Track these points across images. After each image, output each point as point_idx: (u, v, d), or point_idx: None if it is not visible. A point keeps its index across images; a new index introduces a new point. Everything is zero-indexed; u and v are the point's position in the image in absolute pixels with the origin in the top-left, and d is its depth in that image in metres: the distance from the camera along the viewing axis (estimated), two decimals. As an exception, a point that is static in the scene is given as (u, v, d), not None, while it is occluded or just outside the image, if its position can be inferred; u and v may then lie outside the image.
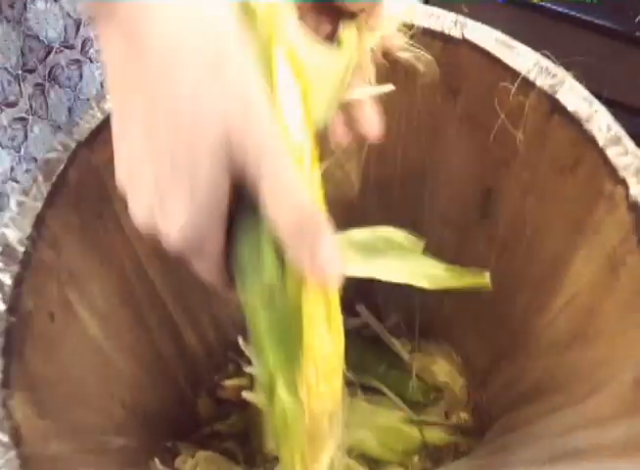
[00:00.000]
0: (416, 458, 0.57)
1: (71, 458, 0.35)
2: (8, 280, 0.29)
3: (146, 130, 0.22)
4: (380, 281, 0.57)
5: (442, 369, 0.61)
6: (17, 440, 0.28)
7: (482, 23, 0.38)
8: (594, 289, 0.38)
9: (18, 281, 0.30)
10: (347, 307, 0.59)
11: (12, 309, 0.29)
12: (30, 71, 0.45)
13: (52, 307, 0.34)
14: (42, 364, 0.33)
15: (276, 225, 0.23)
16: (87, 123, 0.33)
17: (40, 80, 0.46)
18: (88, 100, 0.49)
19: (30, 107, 0.45)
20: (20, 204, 0.30)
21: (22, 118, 0.44)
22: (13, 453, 0.27)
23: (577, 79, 0.34)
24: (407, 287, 0.59)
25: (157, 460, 0.48)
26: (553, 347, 0.45)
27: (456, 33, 0.36)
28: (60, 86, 0.48)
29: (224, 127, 0.22)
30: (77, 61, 0.49)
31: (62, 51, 0.47)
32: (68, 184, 0.32)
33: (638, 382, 0.33)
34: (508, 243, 0.46)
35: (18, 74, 0.43)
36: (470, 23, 0.36)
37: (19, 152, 0.45)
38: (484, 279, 0.36)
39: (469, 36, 0.36)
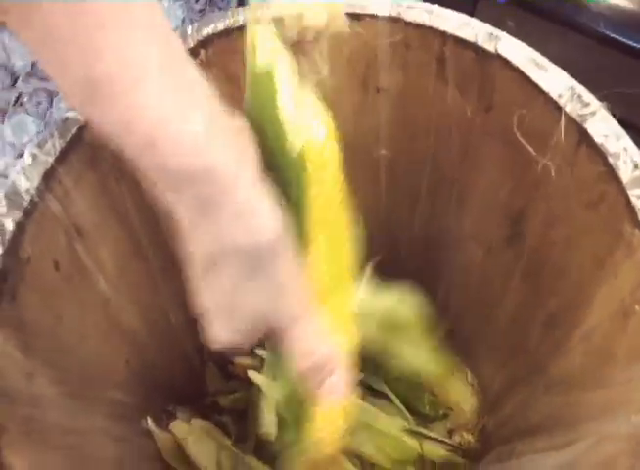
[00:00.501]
0: (410, 469, 0.56)
1: (57, 400, 0.37)
2: (10, 226, 0.31)
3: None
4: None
5: (456, 387, 0.59)
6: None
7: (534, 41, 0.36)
8: (608, 331, 0.36)
9: (19, 227, 0.32)
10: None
11: (8, 253, 0.31)
12: None
13: (57, 257, 0.36)
14: (38, 309, 0.35)
15: (296, 364, 0.28)
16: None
17: None
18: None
19: None
20: (33, 156, 0.32)
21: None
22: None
23: (613, 110, 0.32)
24: (430, 297, 0.59)
25: (149, 419, 0.50)
26: (564, 384, 0.43)
27: (489, 47, 0.34)
28: None
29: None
30: None
31: None
32: (82, 143, 0.34)
33: (636, 439, 0.31)
34: (531, 269, 0.44)
35: None
36: (505, 37, 0.34)
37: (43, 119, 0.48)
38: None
39: (502, 51, 0.34)
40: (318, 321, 0.28)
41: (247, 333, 0.28)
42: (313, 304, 0.28)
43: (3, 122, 0.46)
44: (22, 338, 0.33)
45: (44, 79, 0.45)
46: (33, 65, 0.44)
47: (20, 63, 0.43)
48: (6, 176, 0.52)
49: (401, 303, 0.39)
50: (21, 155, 0.49)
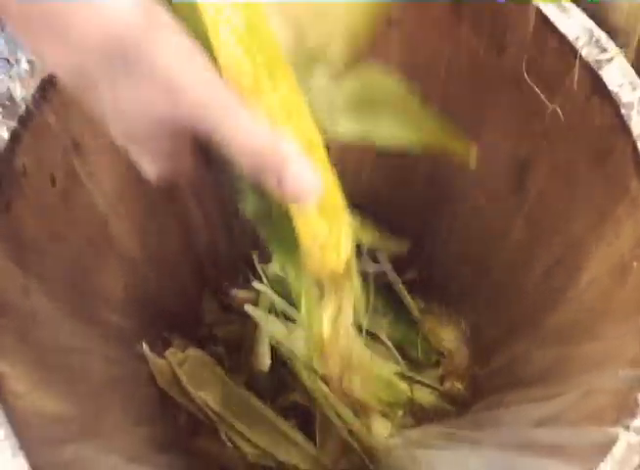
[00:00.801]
0: (400, 413, 0.57)
1: (52, 316, 0.37)
2: (4, 133, 0.30)
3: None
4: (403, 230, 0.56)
5: (449, 335, 0.60)
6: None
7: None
8: (606, 286, 0.36)
9: (14, 137, 0.31)
10: (368, 253, 0.59)
11: (4, 162, 0.30)
12: None
13: (54, 171, 0.35)
14: (34, 223, 0.35)
15: (240, 164, 0.24)
16: None
17: None
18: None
19: None
20: (30, 62, 0.31)
21: None
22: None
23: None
24: (430, 240, 0.58)
25: (145, 344, 0.50)
26: (559, 336, 0.43)
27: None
28: None
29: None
30: None
31: None
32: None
33: (622, 393, 0.31)
34: (533, 219, 0.43)
35: None
36: None
37: None
38: (468, 152, 0.34)
39: (519, -11, 0.32)
40: (244, 111, 0.24)
41: (162, 143, 0.25)
42: (229, 94, 0.24)
43: None
44: (17, 251, 0.33)
45: None
46: None
47: None
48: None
49: (371, 79, 0.33)
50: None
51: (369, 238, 0.34)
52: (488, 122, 0.42)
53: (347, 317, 0.35)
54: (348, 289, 0.34)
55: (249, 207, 0.29)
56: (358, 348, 0.57)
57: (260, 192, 0.27)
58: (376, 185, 0.56)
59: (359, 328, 0.59)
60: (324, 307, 0.35)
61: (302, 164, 0.24)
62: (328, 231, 0.29)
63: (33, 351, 0.33)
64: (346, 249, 0.31)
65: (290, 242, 0.29)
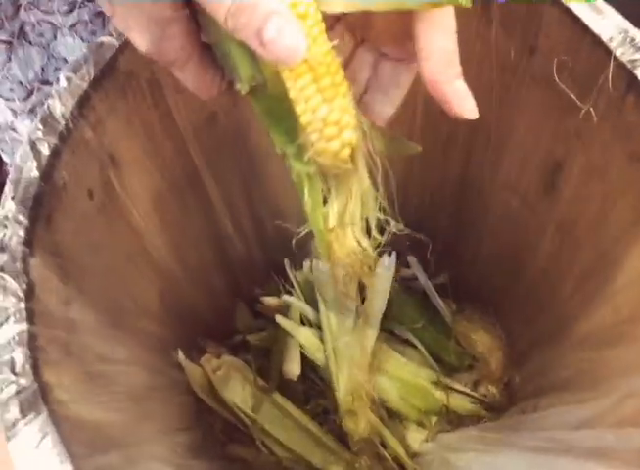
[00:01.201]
0: (434, 420, 0.57)
1: (93, 327, 0.38)
2: (45, 150, 0.31)
3: None
4: (435, 233, 0.56)
5: (482, 339, 0.59)
6: (29, 294, 0.30)
7: None
8: (638, 289, 0.35)
9: (55, 153, 0.32)
10: (398, 258, 0.58)
11: (44, 178, 0.31)
12: None
13: (91, 186, 0.36)
14: (73, 236, 0.35)
15: (221, 23, 0.23)
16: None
17: None
18: None
19: None
20: (68, 79, 0.32)
21: (100, 12, 0.46)
22: (22, 306, 0.30)
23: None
24: (462, 244, 0.57)
25: (180, 352, 0.51)
26: (593, 340, 0.42)
27: (539, -17, 0.32)
28: None
29: None
30: None
31: None
32: (117, 71, 0.33)
33: None
34: (567, 221, 0.42)
35: None
36: None
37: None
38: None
39: (553, -11, 0.32)
40: None
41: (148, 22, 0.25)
42: None
43: (10, 59, 0.45)
44: (58, 263, 0.34)
45: (48, 12, 0.44)
46: None
47: None
48: (14, 129, 0.51)
49: None
50: (30, 93, 0.48)
51: (379, 139, 0.30)
52: (520, 124, 0.42)
53: (355, 213, 0.31)
54: (356, 182, 0.30)
55: (243, 81, 0.27)
56: (390, 356, 0.57)
57: (254, 63, 0.26)
58: (406, 186, 0.56)
59: (390, 332, 0.59)
60: (329, 201, 0.32)
61: (286, 17, 0.23)
62: (327, 109, 0.27)
63: (76, 360, 0.34)
64: (350, 132, 0.28)
65: (289, 122, 0.27)
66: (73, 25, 0.45)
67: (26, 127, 0.49)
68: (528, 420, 0.46)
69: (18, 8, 0.43)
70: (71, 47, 0.46)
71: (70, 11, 0.44)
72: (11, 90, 0.46)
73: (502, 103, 0.42)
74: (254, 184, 0.51)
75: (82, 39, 0.46)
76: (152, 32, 0.26)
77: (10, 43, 0.44)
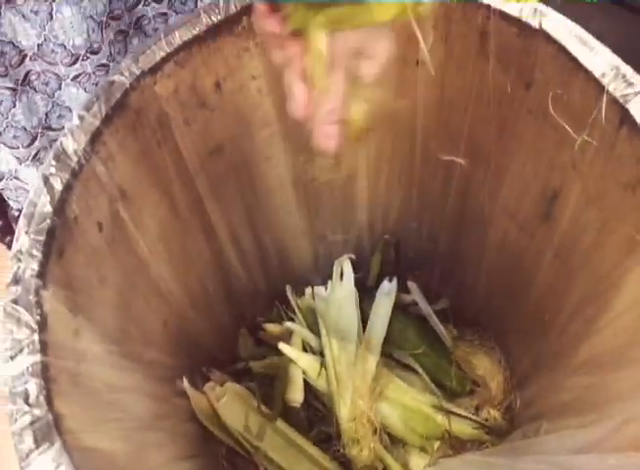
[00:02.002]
0: (437, 445, 0.57)
1: (101, 357, 0.39)
2: (58, 185, 0.32)
3: None
4: (435, 259, 0.57)
5: (483, 363, 0.60)
6: (42, 326, 0.31)
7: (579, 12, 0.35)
8: (637, 315, 0.36)
9: (67, 188, 0.33)
10: (399, 283, 0.59)
11: (57, 212, 0.32)
12: (115, 19, 0.47)
13: (101, 219, 0.37)
14: (83, 268, 0.36)
15: None
16: (153, 53, 0.35)
17: (124, 27, 0.48)
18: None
19: (110, 53, 0.47)
20: (80, 117, 0.33)
21: (103, 65, 0.47)
22: (35, 337, 0.31)
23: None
24: (461, 270, 0.58)
25: (185, 380, 0.51)
26: (592, 365, 0.43)
27: (534, 22, 0.34)
28: (145, 35, 0.50)
29: None
30: (164, 14, 0.51)
31: (149, 3, 0.49)
32: (127, 108, 0.35)
33: None
34: (565, 249, 0.43)
35: (102, 21, 0.45)
36: (551, 13, 0.34)
37: None
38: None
39: (546, 27, 0.33)
40: None
41: None
42: None
43: (15, 105, 0.46)
44: (68, 295, 0.34)
45: (52, 63, 0.45)
46: (39, 46, 0.44)
47: (26, 42, 0.43)
48: (18, 177, 0.52)
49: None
50: (34, 139, 0.49)
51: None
52: (517, 154, 0.43)
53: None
54: None
55: None
56: (392, 382, 0.58)
57: None
58: (406, 215, 0.57)
59: (392, 358, 0.60)
60: None
61: None
62: None
63: (85, 390, 0.35)
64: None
65: None
66: (76, 77, 0.47)
67: (31, 174, 0.50)
68: (530, 444, 0.47)
69: (24, 58, 0.44)
70: (75, 97, 0.48)
71: (74, 63, 0.46)
72: (15, 137, 0.48)
73: (500, 135, 0.43)
74: (258, 214, 0.53)
75: (85, 90, 0.48)
76: None
77: (15, 90, 0.45)
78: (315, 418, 0.58)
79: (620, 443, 0.36)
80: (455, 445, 0.57)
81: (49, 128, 0.49)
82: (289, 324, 0.60)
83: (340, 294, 0.59)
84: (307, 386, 0.57)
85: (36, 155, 0.51)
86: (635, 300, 0.37)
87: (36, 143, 0.50)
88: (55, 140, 0.50)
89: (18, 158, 0.50)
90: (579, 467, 0.39)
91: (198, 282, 0.51)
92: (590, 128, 0.34)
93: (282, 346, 0.57)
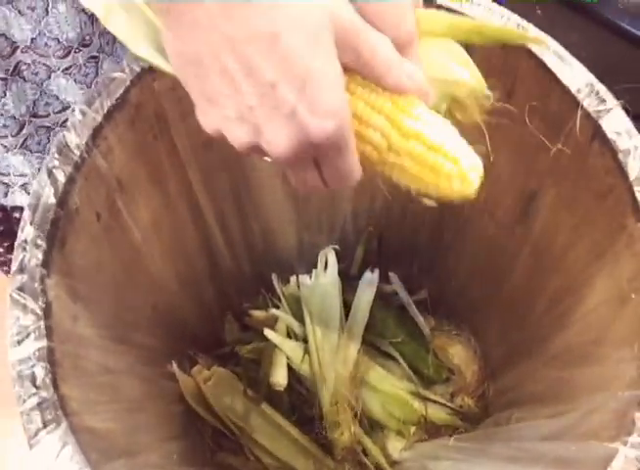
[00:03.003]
0: (413, 429, 0.60)
1: (96, 341, 0.41)
2: (62, 178, 0.34)
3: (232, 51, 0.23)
4: (415, 252, 0.59)
5: (459, 353, 0.62)
6: (47, 313, 0.33)
7: (558, 28, 0.37)
8: (605, 314, 0.39)
9: (70, 180, 0.34)
10: (381, 273, 0.62)
11: (61, 204, 0.34)
12: None
13: (99, 209, 0.38)
14: (82, 256, 0.38)
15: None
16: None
17: None
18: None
19: (100, 45, 0.48)
20: (82, 112, 0.34)
21: (94, 57, 0.48)
22: (42, 323, 0.32)
23: (630, 109, 0.34)
24: (441, 262, 0.60)
25: (174, 363, 0.53)
26: (563, 358, 0.46)
27: (517, 38, 0.36)
28: None
29: (327, 13, 0.24)
30: None
31: None
32: (128, 103, 0.36)
33: (621, 412, 0.34)
34: (540, 247, 0.46)
35: (93, 14, 0.46)
36: (532, 29, 0.36)
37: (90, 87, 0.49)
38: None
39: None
40: None
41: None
42: None
43: (5, 94, 0.47)
44: (70, 283, 0.36)
45: (44, 56, 0.46)
46: (33, 40, 0.45)
47: (19, 35, 0.44)
48: (7, 174, 0.53)
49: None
50: (22, 127, 0.50)
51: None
52: (498, 157, 0.45)
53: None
54: None
55: None
56: (372, 369, 0.60)
57: None
58: (388, 210, 0.59)
59: (372, 346, 0.62)
60: None
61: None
62: None
63: (83, 373, 0.36)
64: None
65: None
66: (67, 68, 0.47)
67: (18, 162, 0.51)
68: (502, 431, 0.50)
69: (15, 49, 0.45)
70: (64, 87, 0.49)
71: (66, 55, 0.47)
72: (4, 126, 0.48)
73: (480, 138, 0.45)
74: (247, 203, 0.54)
75: (75, 81, 0.49)
76: None
77: (5, 80, 0.46)
78: (298, 402, 0.60)
79: (582, 432, 0.39)
80: (431, 430, 0.59)
81: (35, 115, 0.50)
82: (274, 311, 0.62)
83: (323, 283, 0.61)
84: (291, 371, 0.59)
85: (24, 142, 0.51)
86: (600, 300, 0.40)
87: (24, 131, 0.50)
88: (41, 127, 0.51)
89: (5, 146, 0.50)
90: (545, 453, 0.42)
91: (187, 268, 0.53)
92: (565, 139, 0.36)
93: (267, 332, 0.59)
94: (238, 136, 0.26)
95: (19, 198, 0.54)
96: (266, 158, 0.27)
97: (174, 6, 0.23)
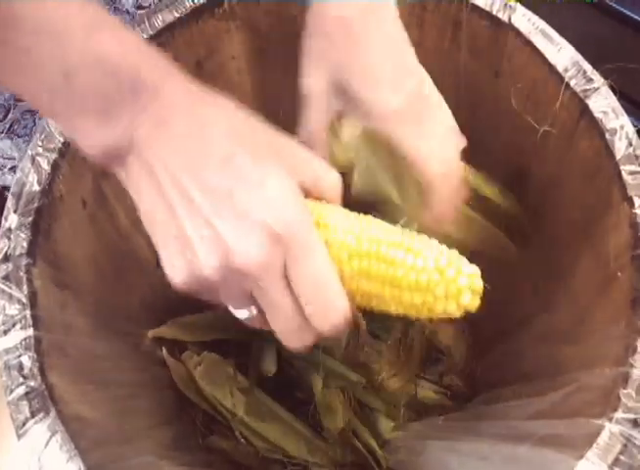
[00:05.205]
0: (402, 409, 0.60)
1: (84, 329, 0.41)
2: (45, 165, 0.33)
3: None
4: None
5: (447, 333, 0.63)
6: (33, 302, 0.32)
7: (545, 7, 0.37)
8: (592, 292, 0.39)
9: (54, 167, 0.33)
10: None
11: (44, 192, 0.33)
12: None
13: (85, 195, 0.38)
14: (69, 244, 0.37)
15: None
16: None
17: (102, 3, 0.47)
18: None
19: None
20: (66, 99, 0.34)
21: None
22: (27, 313, 0.32)
23: (616, 88, 0.34)
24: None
25: (164, 349, 0.53)
26: (550, 337, 0.46)
27: (504, 16, 0.36)
28: (118, 11, 0.50)
29: None
30: None
31: None
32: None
33: (607, 389, 0.34)
34: (530, 223, 0.46)
35: None
36: (519, 8, 0.36)
37: None
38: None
39: (515, 22, 0.35)
40: None
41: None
42: None
43: None
44: (55, 271, 0.36)
45: None
46: None
47: None
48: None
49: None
50: (8, 112, 0.50)
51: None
52: (488, 135, 0.45)
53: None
54: None
55: None
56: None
57: None
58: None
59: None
60: None
61: None
62: None
63: (72, 361, 0.36)
64: None
65: None
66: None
67: (6, 146, 0.51)
68: (491, 410, 0.50)
69: None
70: None
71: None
72: None
73: (470, 117, 0.45)
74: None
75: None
76: None
77: None
78: (289, 385, 0.61)
79: (570, 410, 0.39)
80: (420, 410, 0.60)
81: (20, 100, 0.50)
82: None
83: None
84: (281, 354, 0.59)
85: (10, 127, 0.51)
86: (587, 279, 0.40)
87: (10, 115, 0.50)
88: (27, 111, 0.50)
89: None
90: (533, 431, 0.43)
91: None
92: (552, 119, 0.36)
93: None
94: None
95: (9, 179, 0.55)
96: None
97: None
